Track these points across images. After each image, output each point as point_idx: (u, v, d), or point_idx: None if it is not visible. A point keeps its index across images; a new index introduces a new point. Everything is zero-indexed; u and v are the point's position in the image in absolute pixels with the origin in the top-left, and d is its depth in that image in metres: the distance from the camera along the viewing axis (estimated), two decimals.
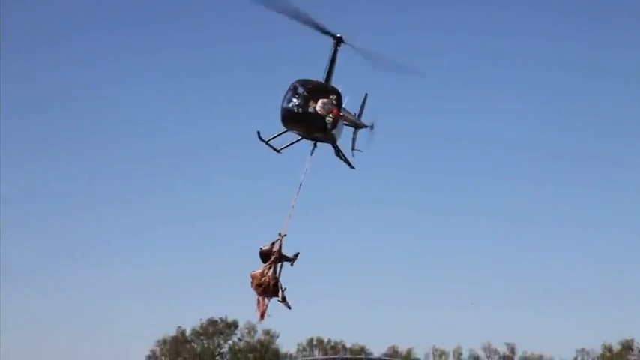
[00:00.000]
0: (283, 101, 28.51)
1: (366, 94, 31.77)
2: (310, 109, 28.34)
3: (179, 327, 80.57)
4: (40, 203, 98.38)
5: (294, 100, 27.78)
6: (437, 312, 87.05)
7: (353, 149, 31.06)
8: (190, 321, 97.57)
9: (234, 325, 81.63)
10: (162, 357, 77.51)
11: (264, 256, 28.60)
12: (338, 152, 29.89)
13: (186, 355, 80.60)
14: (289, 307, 29.70)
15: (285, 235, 28.40)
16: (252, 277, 28.59)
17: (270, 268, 28.79)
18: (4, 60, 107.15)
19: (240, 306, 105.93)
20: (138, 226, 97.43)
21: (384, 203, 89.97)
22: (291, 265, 29.45)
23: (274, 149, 30.26)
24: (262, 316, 29.96)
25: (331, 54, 29.53)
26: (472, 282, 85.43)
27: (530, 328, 77.45)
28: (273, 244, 28.23)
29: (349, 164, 30.94)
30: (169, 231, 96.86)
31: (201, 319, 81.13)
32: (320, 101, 28.00)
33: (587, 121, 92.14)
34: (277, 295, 29.77)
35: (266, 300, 30.13)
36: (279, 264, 28.80)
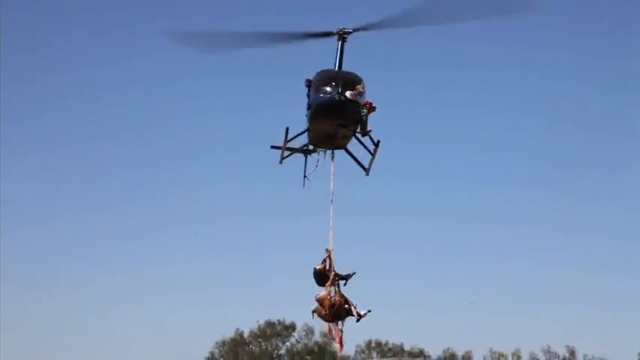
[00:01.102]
0: (314, 93, 26.75)
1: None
2: (348, 97, 26.74)
3: (237, 329, 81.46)
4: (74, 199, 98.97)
5: (329, 89, 25.60)
6: (494, 315, 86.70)
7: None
8: (248, 323, 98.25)
9: (292, 327, 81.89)
10: (221, 359, 78.01)
11: (319, 275, 26.60)
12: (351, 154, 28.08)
13: (245, 357, 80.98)
14: (368, 312, 27.47)
15: (332, 250, 26.66)
16: (321, 301, 26.39)
17: (332, 287, 26.88)
18: (4, 61, 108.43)
19: (297, 308, 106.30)
20: (194, 226, 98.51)
21: (441, 208, 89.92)
22: (345, 284, 27.44)
23: (282, 156, 28.96)
24: (341, 344, 28.02)
25: (339, 49, 27.85)
26: (532, 286, 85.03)
27: (591, 331, 76.80)
28: (324, 261, 26.31)
29: (364, 168, 28.59)
30: (227, 232, 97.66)
31: (259, 322, 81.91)
32: (354, 90, 26.29)
33: (585, 128, 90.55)
34: (352, 315, 27.68)
35: (339, 325, 28.16)
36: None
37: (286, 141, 28.90)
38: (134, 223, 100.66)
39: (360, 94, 26.56)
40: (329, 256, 26.12)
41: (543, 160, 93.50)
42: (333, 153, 28.67)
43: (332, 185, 28.14)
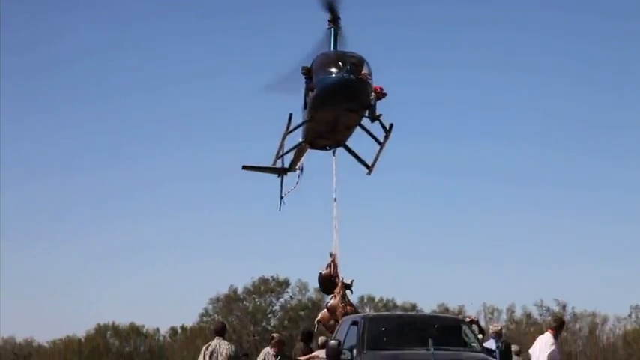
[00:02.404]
0: (317, 78, 23.48)
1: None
2: (359, 77, 23.33)
3: (231, 285, 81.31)
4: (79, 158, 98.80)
5: (335, 69, 22.92)
6: (487, 269, 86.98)
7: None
8: (242, 280, 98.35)
9: (286, 283, 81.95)
10: (215, 314, 78.53)
11: (325, 281, 24.36)
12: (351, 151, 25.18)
13: (239, 313, 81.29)
14: None
15: (336, 253, 24.21)
16: (333, 309, 23.94)
17: (341, 295, 24.68)
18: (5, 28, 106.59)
19: (291, 265, 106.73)
20: (185, 183, 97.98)
21: (434, 160, 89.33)
22: (352, 293, 25.37)
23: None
24: None
25: (332, 34, 24.78)
26: (524, 239, 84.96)
27: (583, 286, 77.24)
28: (329, 266, 24.24)
29: (366, 166, 25.34)
30: (222, 188, 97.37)
31: (252, 278, 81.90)
32: (363, 69, 23.20)
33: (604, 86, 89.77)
34: None
35: None
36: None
37: (287, 131, 24.95)
38: (129, 181, 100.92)
39: (369, 75, 23.27)
40: (333, 261, 23.70)
41: (538, 115, 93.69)
42: (334, 152, 25.08)
43: (334, 182, 24.79)
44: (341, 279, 23.05)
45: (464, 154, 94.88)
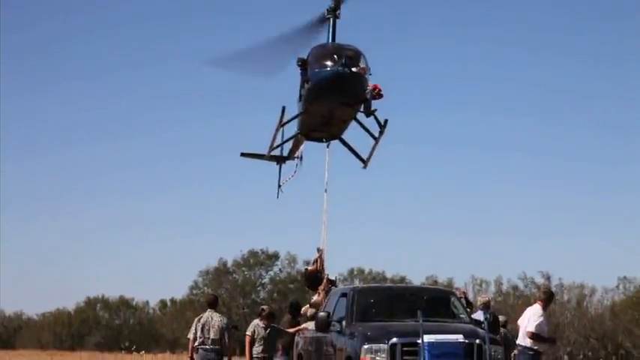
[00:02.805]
0: (312, 70, 23.04)
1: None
2: (355, 71, 23.02)
3: (221, 258, 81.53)
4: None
5: (331, 62, 23.07)
6: (476, 242, 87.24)
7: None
8: (232, 253, 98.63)
9: (275, 256, 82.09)
10: (205, 287, 78.69)
11: (311, 277, 23.97)
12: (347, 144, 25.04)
13: (228, 286, 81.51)
14: None
15: (323, 249, 23.74)
16: (316, 307, 23.73)
17: (325, 292, 24.47)
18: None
19: (280, 238, 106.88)
20: (176, 156, 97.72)
21: (421, 132, 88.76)
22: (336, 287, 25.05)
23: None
24: None
25: (330, 25, 24.35)
26: (512, 211, 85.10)
27: (571, 258, 77.53)
28: (316, 261, 23.74)
29: (362, 159, 25.17)
30: (208, 164, 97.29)
31: (242, 251, 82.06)
32: (359, 63, 22.79)
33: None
34: None
35: None
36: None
37: (281, 124, 24.78)
38: (120, 156, 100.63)
39: (365, 69, 22.98)
40: (320, 256, 23.32)
41: (527, 88, 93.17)
42: (328, 145, 24.76)
43: (326, 176, 24.58)
44: (326, 275, 22.84)
45: (451, 126, 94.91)
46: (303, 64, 22.92)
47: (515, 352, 15.89)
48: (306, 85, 22.75)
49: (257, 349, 17.19)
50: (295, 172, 25.60)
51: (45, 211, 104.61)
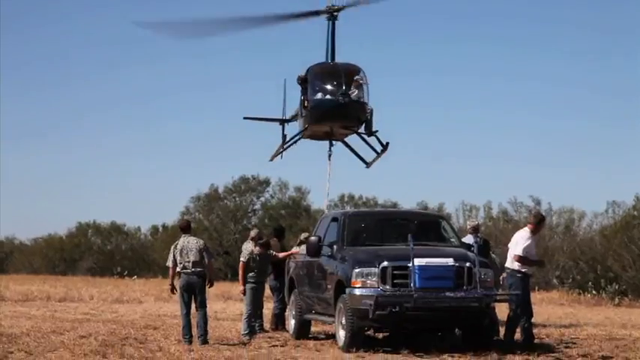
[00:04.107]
0: (312, 91, 23.37)
1: None
2: (354, 99, 22.82)
3: (212, 185, 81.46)
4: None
5: (330, 87, 23.22)
6: (466, 167, 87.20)
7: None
8: (223, 179, 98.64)
9: (267, 182, 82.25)
10: (196, 213, 78.82)
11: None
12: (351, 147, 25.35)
13: (220, 212, 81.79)
14: None
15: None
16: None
17: None
18: None
19: (271, 164, 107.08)
20: (168, 85, 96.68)
21: (411, 53, 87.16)
22: None
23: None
24: None
25: (329, 31, 24.10)
26: (502, 136, 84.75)
27: (560, 183, 77.59)
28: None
29: (364, 162, 25.51)
30: (200, 90, 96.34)
31: (233, 177, 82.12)
32: (358, 87, 22.97)
33: None
34: None
35: None
36: None
37: (284, 144, 25.49)
38: (114, 83, 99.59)
39: (363, 87, 23.14)
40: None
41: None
42: (330, 150, 24.85)
43: (327, 187, 25.01)
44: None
45: (438, 51, 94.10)
46: (303, 82, 23.49)
47: (504, 275, 16.03)
48: (306, 104, 23.16)
49: (251, 274, 17.32)
50: (299, 137, 25.61)
51: (38, 138, 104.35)
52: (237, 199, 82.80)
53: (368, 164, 24.88)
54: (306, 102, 23.30)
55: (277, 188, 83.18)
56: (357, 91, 22.65)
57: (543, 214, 20.98)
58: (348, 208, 68.54)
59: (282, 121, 26.91)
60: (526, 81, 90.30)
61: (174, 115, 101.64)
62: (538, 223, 15.85)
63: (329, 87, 22.77)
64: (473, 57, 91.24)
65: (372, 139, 23.80)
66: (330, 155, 24.49)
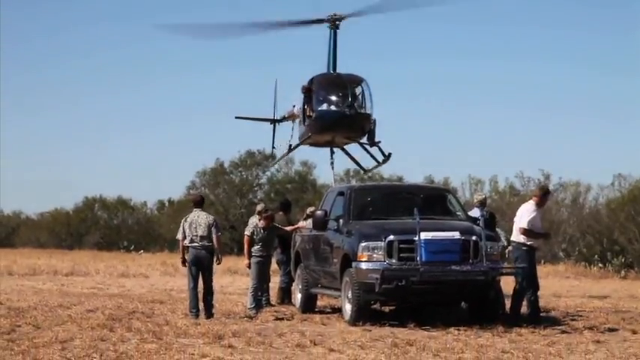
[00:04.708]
0: (316, 101, 23.44)
1: None
2: (358, 111, 23.03)
3: (218, 159, 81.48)
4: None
5: (335, 99, 23.37)
6: (472, 141, 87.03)
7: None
8: (229, 153, 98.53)
9: (272, 157, 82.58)
10: (202, 187, 78.86)
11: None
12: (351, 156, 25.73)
13: (226, 187, 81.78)
14: None
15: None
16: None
17: None
18: None
19: (277, 138, 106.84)
20: (173, 56, 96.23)
21: (407, 28, 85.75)
22: None
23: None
24: None
25: (331, 40, 24.15)
26: (507, 109, 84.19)
27: (566, 156, 77.40)
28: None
29: (362, 167, 25.98)
30: (204, 64, 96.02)
31: (239, 152, 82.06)
32: (361, 98, 23.25)
33: None
34: None
35: None
36: None
37: (289, 152, 26.17)
38: (118, 56, 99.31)
39: (365, 97, 23.31)
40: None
41: None
42: (332, 157, 24.99)
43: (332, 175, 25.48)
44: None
45: (438, 23, 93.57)
46: (307, 91, 23.53)
47: (510, 248, 16.03)
48: (310, 113, 23.20)
49: (256, 247, 17.30)
50: (292, 135, 25.84)
51: (43, 112, 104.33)
52: (243, 173, 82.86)
53: (366, 171, 25.54)
54: (310, 111, 23.55)
55: (283, 163, 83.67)
56: (362, 103, 22.98)
57: (548, 187, 20.96)
58: (354, 182, 68.54)
59: (273, 122, 27.49)
60: (532, 60, 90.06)
61: (180, 90, 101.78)
62: (543, 195, 15.83)
63: (334, 98, 22.96)
64: (479, 37, 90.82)
65: (373, 149, 24.48)
66: (332, 163, 25.06)
